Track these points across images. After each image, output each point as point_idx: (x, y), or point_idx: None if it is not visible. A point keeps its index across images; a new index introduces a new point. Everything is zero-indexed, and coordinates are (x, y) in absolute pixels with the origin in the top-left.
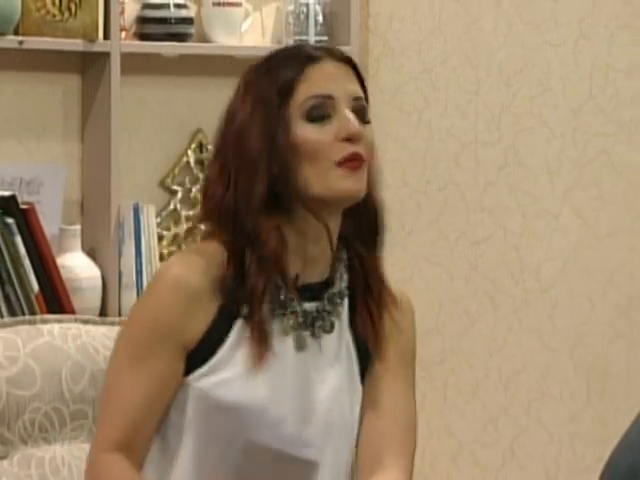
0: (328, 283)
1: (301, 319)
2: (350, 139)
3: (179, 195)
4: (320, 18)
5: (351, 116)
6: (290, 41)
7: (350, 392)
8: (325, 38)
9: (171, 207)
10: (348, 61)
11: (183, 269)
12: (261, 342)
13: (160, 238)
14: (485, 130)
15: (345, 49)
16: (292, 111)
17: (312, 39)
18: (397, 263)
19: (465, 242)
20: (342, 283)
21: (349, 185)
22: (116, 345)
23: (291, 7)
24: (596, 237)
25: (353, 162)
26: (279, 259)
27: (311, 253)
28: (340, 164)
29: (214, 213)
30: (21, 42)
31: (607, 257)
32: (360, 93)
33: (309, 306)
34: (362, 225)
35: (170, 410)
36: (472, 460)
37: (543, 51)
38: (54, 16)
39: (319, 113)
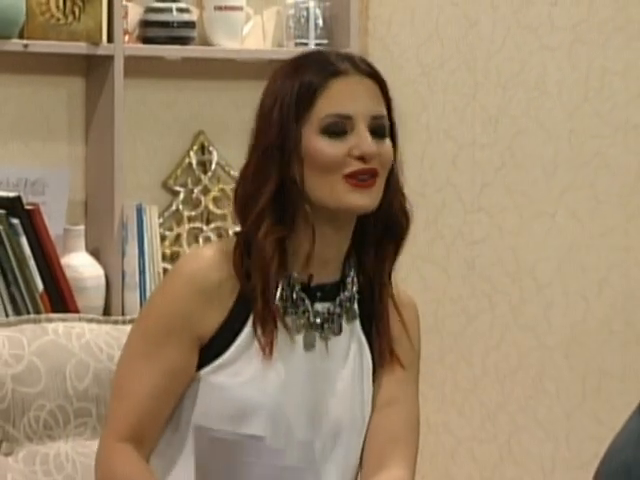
0: (339, 285)
1: (312, 319)
2: (363, 158)
3: (181, 196)
4: (320, 22)
5: (367, 135)
6: (291, 44)
7: (361, 393)
8: (325, 41)
9: (173, 208)
10: (373, 76)
11: (200, 264)
12: (266, 336)
13: (163, 238)
14: (482, 132)
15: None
16: (309, 122)
17: (312, 42)
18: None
19: (462, 242)
20: (354, 287)
21: (356, 199)
22: (130, 336)
23: (292, 11)
24: (591, 237)
25: (364, 180)
26: (270, 267)
27: (326, 255)
28: (348, 177)
29: (234, 202)
30: (26, 45)
31: (602, 257)
32: (381, 111)
33: (320, 307)
34: (374, 232)
35: (182, 403)
36: (470, 456)
37: (539, 55)
38: (58, 20)
39: (336, 130)
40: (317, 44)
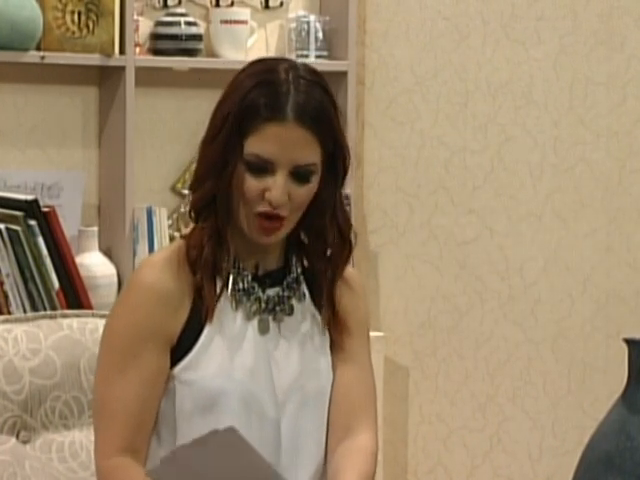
0: (285, 270)
1: (264, 305)
2: (271, 204)
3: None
4: (320, 35)
5: (281, 184)
6: (292, 56)
7: (319, 366)
8: (325, 53)
9: (181, 210)
10: (316, 125)
11: (154, 273)
12: (208, 301)
13: (171, 239)
14: (473, 139)
15: (343, 63)
16: (242, 151)
17: (312, 54)
18: (391, 261)
19: (454, 242)
20: (297, 269)
21: (261, 239)
22: (100, 356)
23: (293, 25)
24: (575, 238)
25: (270, 223)
26: (207, 259)
27: (266, 245)
28: (258, 216)
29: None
30: (43, 57)
31: (586, 256)
32: (307, 160)
33: (270, 292)
34: (316, 226)
35: (162, 405)
36: (461, 444)
37: (527, 66)
38: (73, 33)
39: (256, 169)
40: (317, 56)
